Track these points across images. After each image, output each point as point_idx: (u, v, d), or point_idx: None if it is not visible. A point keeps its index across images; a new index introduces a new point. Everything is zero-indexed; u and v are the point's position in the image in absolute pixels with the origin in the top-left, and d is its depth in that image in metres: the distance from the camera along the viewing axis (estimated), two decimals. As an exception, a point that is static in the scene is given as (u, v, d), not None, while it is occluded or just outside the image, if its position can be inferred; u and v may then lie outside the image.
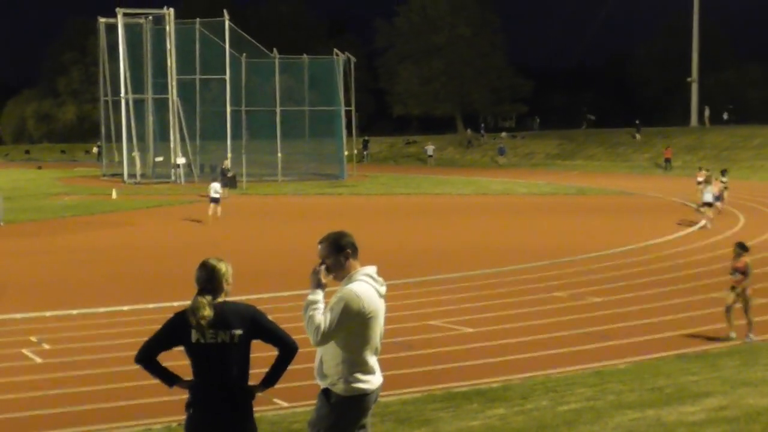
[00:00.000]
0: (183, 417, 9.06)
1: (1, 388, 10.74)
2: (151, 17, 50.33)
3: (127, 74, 48.71)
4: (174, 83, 48.40)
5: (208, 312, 5.24)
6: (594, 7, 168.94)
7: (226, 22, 47.21)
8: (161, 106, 50.09)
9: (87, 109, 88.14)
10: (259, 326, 5.32)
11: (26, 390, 10.69)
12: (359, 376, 5.37)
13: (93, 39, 60.75)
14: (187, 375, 5.43)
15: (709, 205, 28.24)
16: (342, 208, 35.37)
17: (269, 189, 43.82)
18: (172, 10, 48.88)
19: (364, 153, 69.25)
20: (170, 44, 48.36)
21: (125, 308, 15.63)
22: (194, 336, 5.26)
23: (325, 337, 5.26)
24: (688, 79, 68.94)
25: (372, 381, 5.43)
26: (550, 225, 29.04)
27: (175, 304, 15.94)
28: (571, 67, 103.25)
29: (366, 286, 5.40)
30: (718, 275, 18.59)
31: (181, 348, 5.37)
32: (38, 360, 12.22)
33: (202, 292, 5.33)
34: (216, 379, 5.27)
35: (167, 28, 48.57)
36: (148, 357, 5.44)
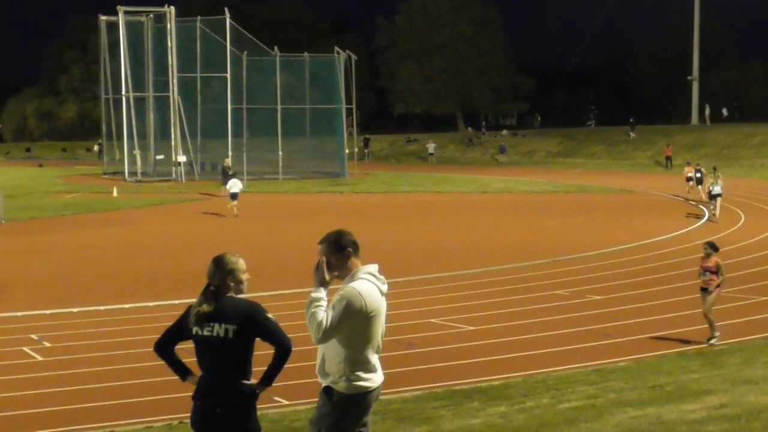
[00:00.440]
0: (183, 415, 9.07)
1: (1, 386, 10.75)
2: (152, 15, 50.28)
3: (128, 72, 48.67)
4: (175, 81, 48.35)
5: (204, 307, 5.30)
6: (595, 6, 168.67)
7: (227, 20, 47.17)
8: (162, 104, 50.06)
9: (88, 107, 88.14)
10: (255, 323, 5.30)
11: (27, 388, 10.70)
12: (361, 374, 5.37)
13: (94, 37, 60.79)
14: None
15: (718, 196, 29.21)
16: (343, 206, 35.36)
17: (270, 187, 43.81)
18: (173, 8, 48.83)
19: (365, 151, 69.25)
20: (171, 42, 48.32)
21: (126, 306, 15.63)
22: (194, 328, 5.35)
23: (326, 335, 5.25)
24: (689, 78, 68.90)
25: (374, 379, 5.43)
26: (551, 223, 29.04)
27: (176, 302, 15.98)
28: (572, 65, 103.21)
29: (368, 285, 5.39)
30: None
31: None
32: (39, 358, 12.23)
33: (206, 285, 5.41)
34: (211, 372, 5.33)
35: (168, 26, 48.53)
36: (164, 346, 5.54)
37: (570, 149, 66.15)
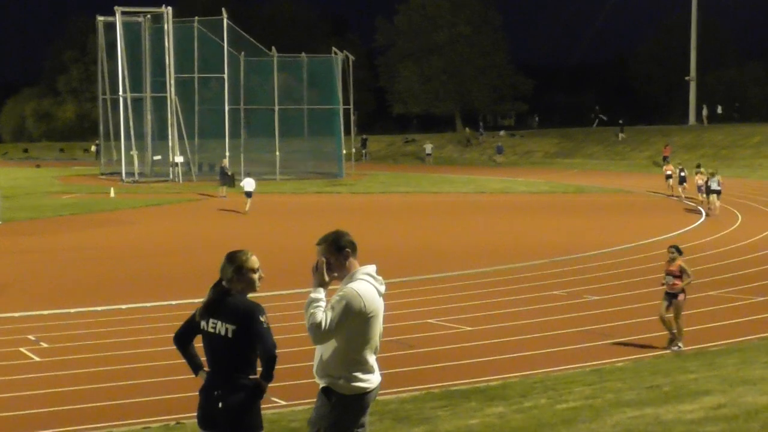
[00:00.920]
0: (180, 416, 9.08)
1: (-1, 387, 10.74)
2: (149, 16, 50.26)
3: (126, 73, 48.65)
4: (172, 82, 48.35)
5: (208, 298, 5.45)
6: (595, 6, 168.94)
7: (225, 21, 47.17)
8: (160, 104, 50.03)
9: (86, 108, 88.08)
10: (249, 324, 5.31)
11: (24, 388, 10.68)
12: (359, 374, 5.36)
13: (93, 37, 60.67)
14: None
15: (717, 192, 30.30)
16: (340, 207, 35.36)
17: (268, 188, 43.78)
18: (170, 8, 48.82)
19: (363, 152, 69.24)
20: (169, 42, 48.30)
21: (123, 307, 15.62)
22: (201, 322, 5.48)
23: (325, 336, 5.25)
24: (686, 78, 68.93)
25: (371, 380, 5.43)
26: (549, 223, 29.04)
27: (173, 302, 15.98)
28: (571, 65, 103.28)
29: (367, 285, 5.39)
30: (715, 273, 18.60)
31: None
32: (36, 358, 12.22)
33: (218, 279, 5.50)
34: (214, 368, 5.41)
35: (166, 26, 48.51)
36: (181, 338, 5.64)
37: (568, 150, 66.17)
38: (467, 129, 77.74)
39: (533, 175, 52.10)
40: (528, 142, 70.64)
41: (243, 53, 47.96)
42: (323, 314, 5.23)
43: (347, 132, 54.29)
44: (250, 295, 5.51)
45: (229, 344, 5.33)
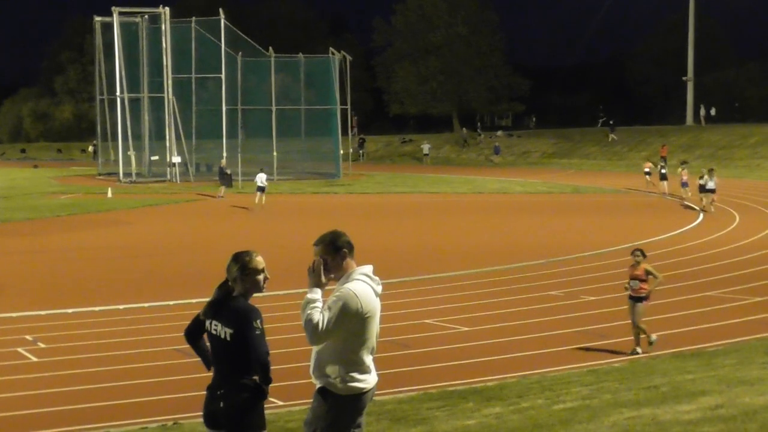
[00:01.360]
0: (178, 416, 9.08)
1: (-4, 387, 10.73)
2: (147, 16, 50.23)
3: (123, 73, 48.62)
4: (170, 82, 48.32)
5: (210, 300, 5.48)
6: (592, 6, 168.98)
7: (222, 21, 47.14)
8: (157, 104, 50.00)
9: (84, 108, 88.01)
10: (243, 329, 5.31)
11: (21, 389, 10.67)
12: (356, 375, 5.37)
13: (90, 38, 60.66)
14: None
15: (712, 191, 31.42)
16: (338, 207, 35.36)
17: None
18: (167, 8, 48.82)
19: (360, 152, 69.22)
20: (166, 43, 48.28)
21: (121, 307, 15.60)
22: (206, 322, 5.52)
23: (322, 337, 5.25)
24: (684, 78, 68.98)
25: (368, 380, 5.43)
26: (546, 224, 29.06)
27: (171, 303, 15.97)
28: (568, 65, 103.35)
29: (364, 286, 5.39)
30: (712, 273, 18.62)
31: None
32: (33, 359, 12.20)
33: (225, 279, 5.52)
34: (217, 367, 5.46)
35: (163, 26, 48.49)
36: (191, 333, 5.66)
37: (565, 150, 66.19)
38: (464, 129, 77.78)
39: (530, 175, 52.12)
40: (525, 142, 70.65)
41: (240, 53, 47.94)
42: (320, 315, 5.23)
43: (345, 132, 54.26)
44: (255, 296, 5.51)
45: (229, 347, 5.35)
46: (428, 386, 10.57)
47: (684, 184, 34.50)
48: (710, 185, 31.46)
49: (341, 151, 52.58)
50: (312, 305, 5.26)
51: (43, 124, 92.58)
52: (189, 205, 36.61)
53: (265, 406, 5.58)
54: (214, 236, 26.42)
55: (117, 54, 48.49)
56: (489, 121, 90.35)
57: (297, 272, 16.09)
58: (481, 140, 72.58)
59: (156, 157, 50.61)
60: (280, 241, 24.76)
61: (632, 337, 12.27)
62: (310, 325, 5.22)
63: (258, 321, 5.30)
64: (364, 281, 5.41)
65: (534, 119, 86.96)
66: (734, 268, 19.28)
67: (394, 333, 12.98)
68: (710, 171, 32.26)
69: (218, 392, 5.38)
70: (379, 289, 5.50)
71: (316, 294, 5.30)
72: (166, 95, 48.40)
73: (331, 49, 51.94)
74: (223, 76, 47.29)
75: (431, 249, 23.28)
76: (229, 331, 5.33)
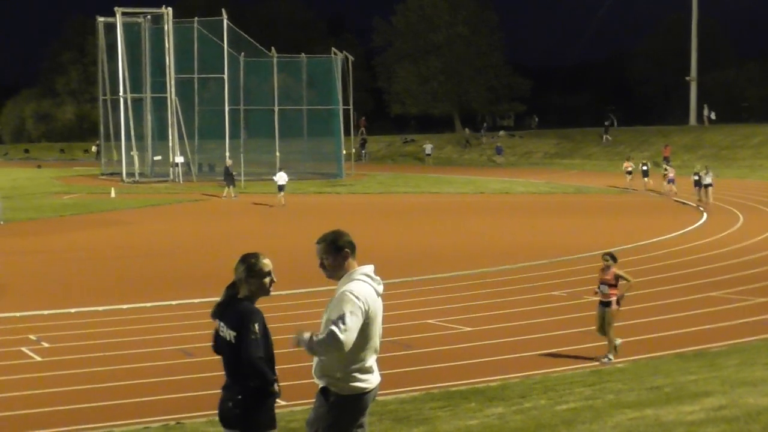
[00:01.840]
0: (180, 416, 9.08)
1: (0, 386, 10.75)
2: (149, 16, 50.25)
3: (126, 73, 48.65)
4: (172, 82, 48.34)
5: (218, 301, 5.51)
6: (593, 6, 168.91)
7: (225, 21, 47.16)
8: (160, 105, 50.04)
9: (86, 109, 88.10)
10: (240, 330, 5.33)
11: (25, 388, 10.69)
12: (358, 375, 5.37)
13: (91, 38, 60.69)
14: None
15: (709, 186, 34.04)
16: (340, 207, 35.37)
17: (267, 188, 43.78)
18: (170, 9, 48.83)
19: (362, 152, 69.19)
20: (169, 43, 48.31)
21: (124, 307, 15.62)
22: (215, 323, 5.54)
23: (349, 338, 5.25)
24: (687, 78, 68.89)
25: (370, 380, 5.44)
26: (548, 224, 29.04)
27: (174, 302, 15.99)
28: (568, 65, 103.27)
29: (365, 286, 5.40)
30: (716, 274, 18.61)
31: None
32: (37, 358, 12.22)
33: (233, 281, 5.54)
34: (225, 368, 5.47)
35: (165, 27, 48.51)
36: (216, 348, 5.69)
37: (567, 150, 66.13)
38: (467, 130, 77.69)
39: (533, 175, 52.10)
40: (527, 142, 70.59)
41: (243, 54, 47.95)
42: (333, 333, 5.20)
43: (347, 132, 54.26)
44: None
45: (233, 349, 5.36)
46: (431, 386, 10.57)
47: (670, 181, 37.62)
48: (707, 180, 34.10)
49: (343, 152, 52.57)
50: (315, 339, 5.25)
51: (45, 125, 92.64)
52: (192, 205, 36.63)
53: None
54: (216, 236, 26.44)
55: (120, 54, 48.52)
56: (491, 121, 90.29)
57: (299, 272, 16.12)
58: (485, 141, 72.46)
59: (159, 157, 50.65)
60: (281, 242, 24.76)
61: (605, 343, 11.96)
62: (337, 345, 5.21)
63: (256, 325, 5.30)
64: (365, 281, 5.42)
65: (536, 119, 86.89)
66: (738, 269, 19.26)
67: (396, 333, 12.98)
68: (706, 167, 35.24)
69: (227, 392, 5.41)
70: (380, 288, 5.51)
71: (306, 334, 5.31)
72: (168, 95, 48.43)
73: (333, 49, 51.93)
74: (225, 76, 47.30)
75: (433, 249, 23.27)
76: (232, 333, 5.35)
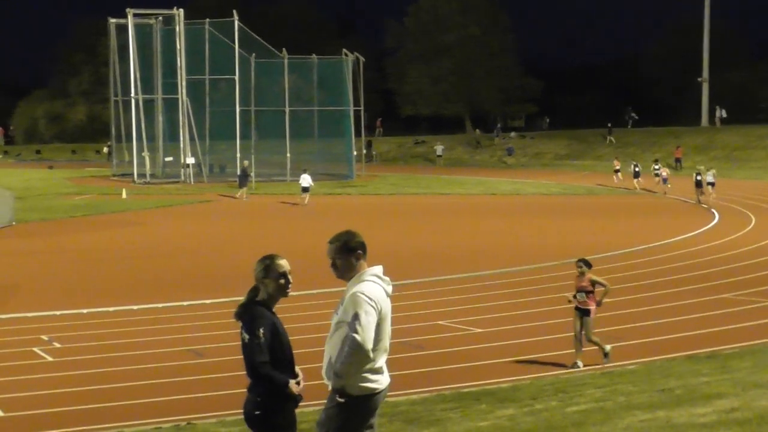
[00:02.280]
0: (191, 416, 9.11)
1: (12, 386, 10.78)
2: (160, 17, 50.40)
3: (137, 74, 48.80)
4: (184, 83, 48.45)
5: (239, 304, 5.53)
6: (604, 7, 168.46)
7: (236, 23, 47.24)
8: (171, 106, 50.16)
9: (97, 110, 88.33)
10: (249, 337, 5.35)
11: (37, 388, 10.73)
12: (368, 375, 5.37)
13: (103, 40, 60.84)
14: None
15: (711, 185, 35.02)
16: (351, 208, 35.39)
17: (278, 189, 43.86)
18: (181, 10, 48.95)
19: (373, 153, 69.15)
20: (180, 44, 48.43)
21: (135, 307, 15.66)
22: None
23: (368, 341, 5.26)
24: (699, 79, 68.59)
25: (380, 381, 5.44)
26: (559, 225, 28.98)
27: (185, 303, 16.02)
28: (580, 66, 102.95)
29: (375, 287, 5.42)
30: (728, 276, 18.53)
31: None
32: (49, 358, 12.26)
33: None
34: (245, 369, 5.46)
35: (177, 28, 48.63)
36: None
37: (578, 151, 65.96)
38: (477, 131, 77.57)
39: (544, 176, 52.00)
40: (538, 143, 70.44)
41: (253, 55, 48.01)
42: (352, 337, 5.23)
43: (357, 134, 54.27)
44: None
45: (245, 351, 5.40)
46: (441, 387, 10.56)
47: (664, 180, 39.28)
48: (709, 179, 35.00)
49: (354, 152, 52.57)
50: (338, 358, 5.28)
51: (57, 126, 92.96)
52: (203, 206, 36.71)
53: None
54: (227, 237, 26.49)
55: (131, 55, 48.66)
56: (502, 122, 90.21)
57: (309, 273, 16.12)
58: (499, 142, 72.24)
59: (170, 159, 50.76)
60: (292, 242, 24.79)
61: (573, 350, 11.69)
62: (358, 348, 5.24)
63: (261, 329, 5.32)
64: (374, 282, 5.44)
65: (547, 120, 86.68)
66: (750, 271, 19.17)
67: (407, 334, 12.98)
68: (708, 167, 37.09)
69: (250, 393, 5.45)
70: (389, 289, 5.52)
71: (330, 373, 5.37)
72: (180, 96, 48.55)
73: (344, 50, 51.95)
74: (236, 77, 47.39)
75: (444, 250, 23.25)
76: (246, 335, 5.38)
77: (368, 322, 5.27)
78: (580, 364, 11.50)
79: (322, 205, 36.88)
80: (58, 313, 15.30)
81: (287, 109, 49.09)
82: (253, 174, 43.91)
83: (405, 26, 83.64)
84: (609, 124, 66.89)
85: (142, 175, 48.42)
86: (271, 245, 24.34)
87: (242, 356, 5.45)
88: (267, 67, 49.67)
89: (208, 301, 16.10)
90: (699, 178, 35.31)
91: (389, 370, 5.59)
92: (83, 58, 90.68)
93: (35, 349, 12.74)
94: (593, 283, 11.72)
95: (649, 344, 12.90)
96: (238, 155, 45.68)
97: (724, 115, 68.19)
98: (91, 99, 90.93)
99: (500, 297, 16.55)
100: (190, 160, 48.28)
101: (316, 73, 53.18)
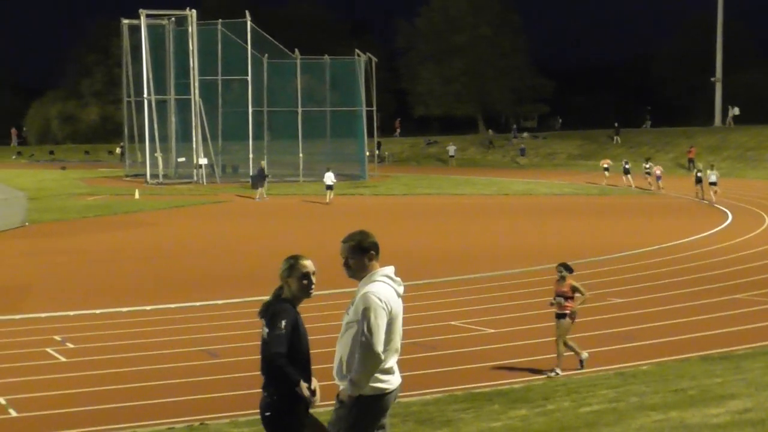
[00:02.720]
0: (204, 416, 9.13)
1: (25, 387, 10.84)
2: (173, 18, 50.55)
3: (150, 75, 48.95)
4: (196, 84, 48.57)
5: (263, 302, 5.57)
6: (616, 7, 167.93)
7: (248, 23, 47.34)
8: (184, 106, 50.30)
9: (110, 110, 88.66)
10: (269, 330, 5.37)
11: (50, 388, 10.78)
12: (379, 375, 5.37)
13: (116, 40, 61.12)
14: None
15: (713, 184, 35.72)
16: (364, 209, 35.41)
17: (291, 189, 43.93)
18: (194, 11, 49.07)
19: (385, 154, 69.12)
20: (192, 45, 48.55)
21: (148, 308, 15.71)
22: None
23: (379, 343, 5.27)
24: (712, 79, 68.25)
25: (391, 381, 5.44)
26: (572, 225, 28.91)
27: (198, 304, 16.06)
28: (593, 66, 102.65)
29: (386, 287, 5.41)
30: (741, 276, 18.44)
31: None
32: (62, 359, 12.32)
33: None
34: (261, 368, 5.48)
35: (189, 29, 48.76)
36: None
37: (591, 151, 65.75)
38: (490, 131, 77.46)
39: (556, 177, 51.88)
40: (551, 143, 70.27)
41: (266, 55, 48.09)
42: (362, 341, 5.24)
43: (370, 134, 54.27)
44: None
45: (264, 346, 5.43)
46: (454, 388, 10.56)
47: (658, 178, 41.10)
48: (712, 178, 35.53)
49: (366, 153, 52.59)
50: (353, 370, 5.28)
51: (70, 126, 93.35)
52: (216, 206, 36.80)
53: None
54: (240, 237, 26.54)
55: (144, 56, 48.82)
56: (514, 122, 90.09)
57: (321, 274, 16.11)
58: (519, 142, 72.00)
59: (183, 159, 50.90)
60: (304, 243, 24.81)
61: (555, 355, 11.52)
62: (370, 351, 5.24)
63: (283, 321, 5.35)
64: (385, 282, 5.44)
65: (560, 120, 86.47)
66: (763, 271, 19.08)
67: (419, 335, 12.98)
68: (711, 166, 37.49)
69: (264, 392, 5.47)
70: (401, 289, 5.52)
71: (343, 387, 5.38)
72: (192, 97, 48.67)
73: (357, 51, 51.98)
74: (249, 78, 47.48)
75: (457, 250, 23.23)
76: (266, 330, 5.41)
77: (378, 324, 5.27)
78: (558, 371, 11.30)
79: (334, 205, 36.91)
80: (71, 313, 15.37)
81: (300, 110, 49.17)
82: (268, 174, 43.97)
83: (416, 27, 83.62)
84: (615, 124, 66.68)
85: (154, 176, 48.58)
86: (282, 245, 24.35)
87: (260, 354, 5.46)
88: (279, 68, 49.76)
89: (221, 302, 16.14)
90: (699, 175, 37.03)
91: (401, 371, 5.59)
92: (96, 58, 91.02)
93: (48, 349, 12.79)
94: (573, 289, 11.61)
95: (662, 344, 12.86)
96: (251, 156, 45.75)
97: (737, 112, 67.72)
98: (104, 100, 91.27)
99: (512, 297, 16.53)
100: (203, 161, 48.40)
101: (328, 74, 53.24)
